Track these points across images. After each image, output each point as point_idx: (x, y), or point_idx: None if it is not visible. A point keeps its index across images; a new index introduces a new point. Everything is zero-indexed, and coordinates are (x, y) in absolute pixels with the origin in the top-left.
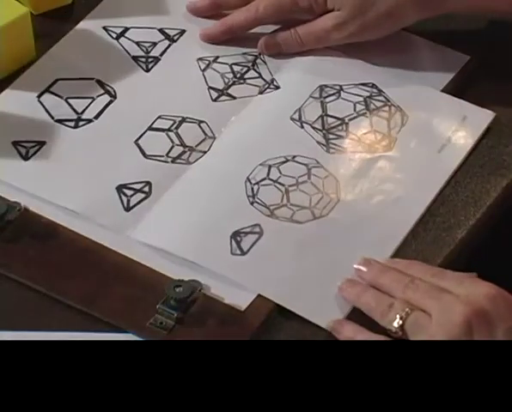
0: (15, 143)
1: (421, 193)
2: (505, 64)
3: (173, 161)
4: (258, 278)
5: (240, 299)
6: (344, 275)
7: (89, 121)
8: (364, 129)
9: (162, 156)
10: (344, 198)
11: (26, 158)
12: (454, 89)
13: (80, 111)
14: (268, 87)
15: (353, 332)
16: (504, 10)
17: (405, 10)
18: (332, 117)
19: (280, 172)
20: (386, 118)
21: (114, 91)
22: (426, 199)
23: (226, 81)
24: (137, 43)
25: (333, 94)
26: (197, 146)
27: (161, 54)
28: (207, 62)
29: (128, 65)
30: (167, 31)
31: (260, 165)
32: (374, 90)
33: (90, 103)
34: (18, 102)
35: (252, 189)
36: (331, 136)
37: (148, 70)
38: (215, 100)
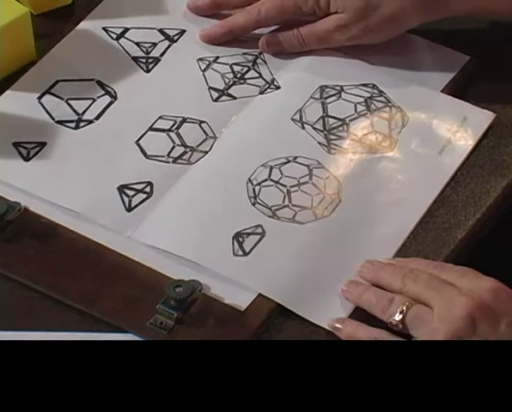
0: (16, 144)
1: (422, 194)
2: (505, 64)
3: (174, 162)
4: (260, 279)
5: (240, 299)
6: (345, 276)
7: (90, 122)
8: (365, 129)
9: (163, 156)
10: (345, 199)
11: (27, 159)
12: (454, 89)
13: (80, 112)
14: (268, 87)
15: (353, 328)
16: (505, 12)
17: (408, 14)
18: (332, 117)
19: (281, 173)
20: (386, 119)
21: (115, 92)
22: (427, 200)
23: (226, 81)
24: (137, 43)
25: (334, 95)
26: (198, 146)
27: (162, 55)
28: (207, 62)
29: (128, 66)
30: (167, 31)
31: (262, 166)
32: (375, 91)
33: (91, 104)
34: (19, 103)
35: (254, 190)
36: (332, 137)
37: (148, 71)
38: (215, 101)
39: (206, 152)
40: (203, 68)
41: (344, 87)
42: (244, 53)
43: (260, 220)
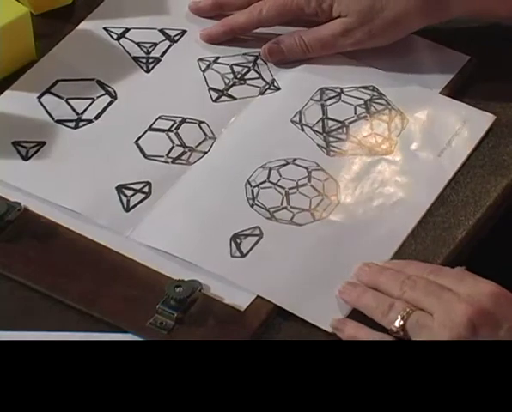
0: (16, 143)
1: (421, 196)
2: (505, 65)
3: (173, 162)
4: (257, 280)
5: (240, 300)
6: (343, 277)
7: (89, 121)
8: (364, 132)
9: (162, 157)
10: (343, 201)
11: (26, 158)
12: (454, 89)
13: (80, 111)
14: (268, 88)
15: (355, 330)
16: (504, 15)
17: (412, 17)
18: (332, 120)
19: (280, 175)
20: (386, 122)
21: (115, 92)
22: (426, 202)
23: (226, 81)
24: (138, 44)
25: (334, 97)
26: (197, 146)
27: (162, 55)
28: (207, 62)
29: (128, 66)
30: (167, 31)
31: (260, 167)
32: (375, 93)
33: (91, 104)
34: (19, 103)
35: (253, 191)
36: (331, 139)
37: (148, 71)
38: (215, 101)
39: (205, 152)
40: (203, 68)
41: (344, 90)
42: (244, 54)
43: (258, 221)
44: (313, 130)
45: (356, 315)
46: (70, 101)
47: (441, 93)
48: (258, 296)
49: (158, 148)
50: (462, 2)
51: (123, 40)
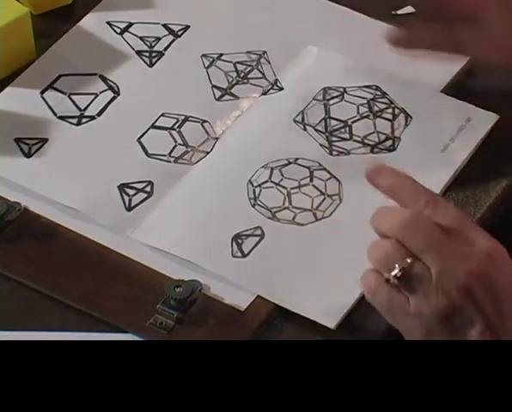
0: (18, 140)
1: None
2: None
3: (175, 161)
4: (259, 281)
5: (240, 300)
6: (346, 277)
7: (92, 118)
8: (367, 130)
9: (165, 155)
10: (346, 199)
11: (28, 155)
12: (455, 88)
13: (83, 107)
14: (271, 88)
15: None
16: None
17: None
18: (335, 119)
19: (282, 175)
20: (389, 120)
21: (117, 87)
22: None
23: (230, 79)
24: (141, 38)
25: (337, 97)
26: (199, 146)
27: (165, 49)
28: (211, 59)
29: (132, 60)
30: (171, 26)
31: (262, 167)
32: (378, 92)
33: (93, 99)
34: (21, 99)
35: (254, 191)
36: (334, 139)
37: (151, 65)
38: (218, 99)
39: (207, 152)
40: (206, 65)
41: (347, 89)
42: (248, 52)
43: (260, 221)
44: (316, 130)
45: (357, 315)
46: (72, 97)
47: (443, 91)
48: (258, 296)
49: (161, 146)
50: None
51: (126, 35)
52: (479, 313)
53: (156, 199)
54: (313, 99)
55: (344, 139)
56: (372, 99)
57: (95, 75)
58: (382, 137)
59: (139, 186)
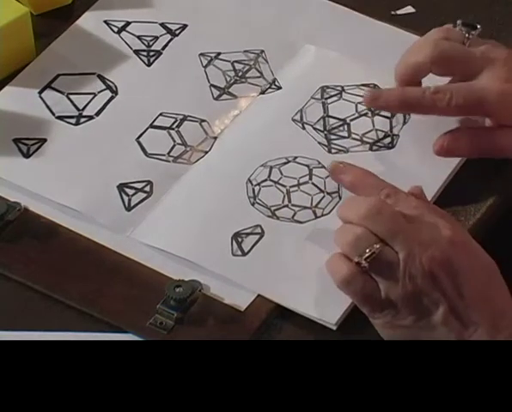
0: (17, 140)
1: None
2: None
3: (174, 161)
4: (259, 279)
5: (240, 299)
6: None
7: (90, 118)
8: (366, 128)
9: (164, 155)
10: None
11: (27, 155)
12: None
13: (81, 107)
14: (269, 87)
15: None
16: None
17: None
18: (333, 118)
19: (281, 174)
20: (388, 118)
21: (115, 86)
22: (428, 197)
23: (227, 79)
24: (139, 37)
25: (335, 95)
26: (198, 146)
27: (163, 48)
28: (209, 58)
29: (129, 60)
30: (168, 25)
31: (261, 166)
32: None
33: (91, 99)
34: (19, 98)
35: (254, 190)
36: (332, 137)
37: (149, 64)
38: (216, 99)
39: (206, 152)
40: (204, 64)
41: (345, 88)
42: (245, 51)
43: (259, 220)
44: (315, 128)
45: (357, 315)
46: (70, 96)
47: None
48: (258, 296)
49: (159, 146)
50: None
51: (124, 34)
52: (443, 296)
53: (156, 199)
54: (312, 97)
55: (343, 137)
56: None
57: (93, 74)
58: (381, 135)
59: (138, 186)
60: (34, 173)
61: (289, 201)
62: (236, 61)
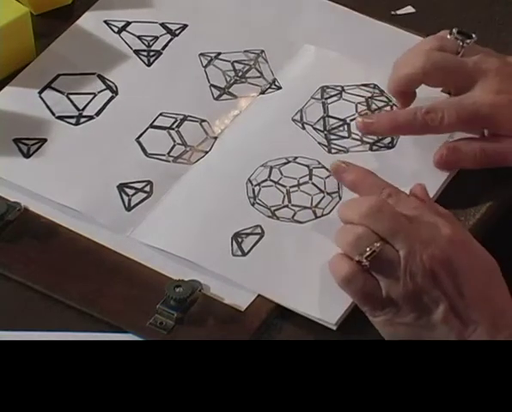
0: (17, 140)
1: None
2: None
3: (174, 161)
4: (259, 279)
5: (240, 299)
6: None
7: (90, 118)
8: None
9: (164, 155)
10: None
11: (27, 155)
12: None
13: (81, 107)
14: (269, 87)
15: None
16: None
17: None
18: (333, 118)
19: (281, 174)
20: None
21: (116, 86)
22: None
23: (228, 79)
24: (139, 37)
25: (335, 95)
26: (198, 146)
27: (163, 48)
28: (209, 58)
29: (129, 59)
30: (168, 25)
31: (261, 166)
32: (376, 91)
33: (92, 99)
34: (20, 98)
35: (254, 190)
36: (332, 137)
37: (149, 64)
38: (216, 99)
39: (206, 152)
40: (204, 64)
41: (345, 88)
42: (245, 51)
43: (259, 220)
44: (315, 128)
45: (357, 315)
46: (70, 96)
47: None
48: (258, 296)
49: (159, 146)
50: None
51: (124, 34)
52: (443, 295)
53: (156, 199)
54: (312, 97)
55: (343, 137)
56: (370, 98)
57: (94, 74)
58: (381, 135)
59: (138, 186)
60: (34, 173)
61: (289, 201)
62: (236, 61)
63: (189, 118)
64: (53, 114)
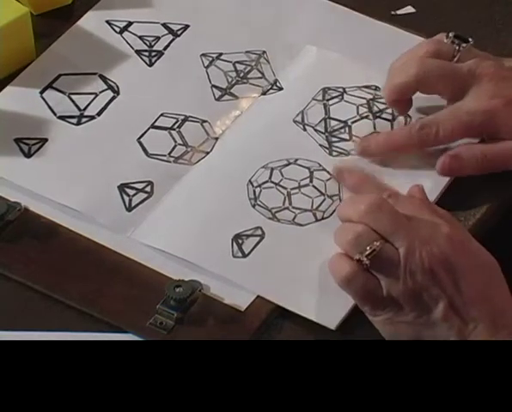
0: (18, 140)
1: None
2: None
3: (175, 161)
4: (259, 281)
5: (240, 300)
6: None
7: (92, 118)
8: (367, 131)
9: (165, 156)
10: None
11: (28, 155)
12: None
13: (82, 107)
14: (271, 88)
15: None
16: None
17: None
18: (334, 119)
19: (282, 175)
20: (389, 120)
21: (117, 86)
22: (430, 198)
23: (229, 79)
24: (141, 37)
25: (336, 97)
26: (199, 146)
27: (165, 48)
28: (210, 58)
29: (131, 60)
30: (170, 26)
31: (262, 168)
32: (378, 92)
33: (93, 99)
34: (21, 98)
35: (254, 191)
36: (333, 139)
37: (151, 65)
38: (218, 100)
39: (207, 152)
40: (206, 64)
41: (347, 89)
42: (247, 51)
43: (260, 221)
44: (316, 130)
45: (357, 314)
46: (72, 96)
47: None
48: (258, 296)
49: (160, 146)
50: None
51: (125, 34)
52: (443, 293)
53: (156, 199)
54: (313, 99)
55: (344, 139)
56: (372, 100)
57: (95, 74)
58: None
59: (139, 186)
60: (35, 173)
61: (290, 203)
62: (238, 61)
63: (190, 119)
64: (54, 114)
